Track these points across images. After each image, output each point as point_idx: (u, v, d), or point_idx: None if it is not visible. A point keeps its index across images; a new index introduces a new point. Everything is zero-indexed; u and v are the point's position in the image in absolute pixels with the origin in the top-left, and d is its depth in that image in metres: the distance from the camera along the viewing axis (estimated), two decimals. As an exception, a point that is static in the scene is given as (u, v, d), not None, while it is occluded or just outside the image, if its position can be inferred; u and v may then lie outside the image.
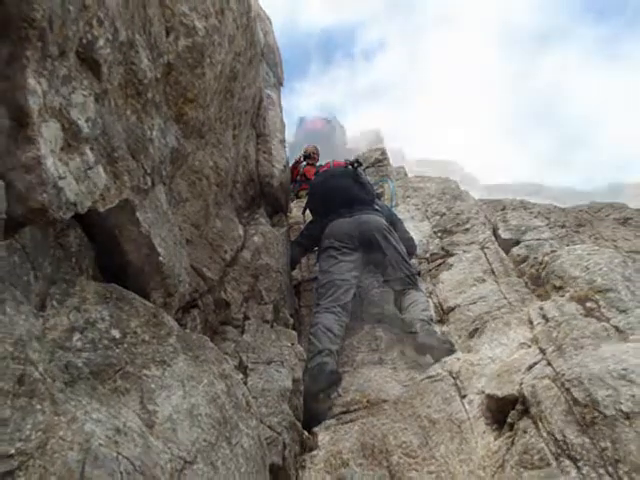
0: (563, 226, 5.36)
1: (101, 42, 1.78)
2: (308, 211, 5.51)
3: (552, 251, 4.40)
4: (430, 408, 3.23)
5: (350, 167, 5.21)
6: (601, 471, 2.28)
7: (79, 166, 1.68)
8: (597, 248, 4.11)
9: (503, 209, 5.68)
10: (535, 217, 5.37)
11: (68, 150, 1.63)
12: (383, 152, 7.66)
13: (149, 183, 2.18)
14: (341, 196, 4.93)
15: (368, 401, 3.37)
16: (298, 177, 7.04)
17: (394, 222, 5.09)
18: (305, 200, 5.71)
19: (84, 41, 1.70)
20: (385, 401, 3.35)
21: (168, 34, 2.48)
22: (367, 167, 6.94)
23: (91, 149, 1.75)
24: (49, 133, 1.52)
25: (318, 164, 5.88)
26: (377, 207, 5.08)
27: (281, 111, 5.37)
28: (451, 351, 3.81)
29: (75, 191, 1.66)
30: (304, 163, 7.51)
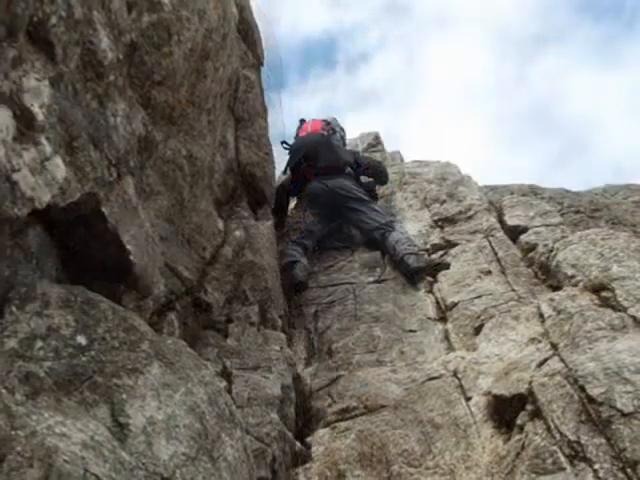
0: (578, 211, 5.38)
1: (54, 20, 1.76)
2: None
3: (563, 237, 4.41)
4: (432, 412, 3.25)
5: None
6: (620, 475, 2.30)
7: (35, 157, 1.67)
8: (612, 232, 4.13)
9: (511, 194, 5.69)
10: (546, 202, 5.37)
11: (22, 140, 1.61)
12: (376, 137, 7.69)
13: (114, 175, 2.16)
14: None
15: (366, 407, 3.38)
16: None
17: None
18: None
19: (35, 19, 1.68)
20: (384, 406, 3.36)
21: (130, 10, 2.45)
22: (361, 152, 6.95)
23: (47, 139, 1.73)
24: None
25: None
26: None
27: (262, 94, 5.35)
28: (446, 265, 4.71)
29: (31, 185, 1.64)
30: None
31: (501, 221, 5.24)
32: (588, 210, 5.37)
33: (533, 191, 5.74)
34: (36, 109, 1.67)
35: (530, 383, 2.90)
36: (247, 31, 5.29)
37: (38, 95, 1.69)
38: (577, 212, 5.33)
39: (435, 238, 5.28)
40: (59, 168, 1.79)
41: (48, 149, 1.73)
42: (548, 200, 5.47)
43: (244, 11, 5.11)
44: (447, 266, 4.74)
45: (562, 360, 2.97)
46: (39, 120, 1.68)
